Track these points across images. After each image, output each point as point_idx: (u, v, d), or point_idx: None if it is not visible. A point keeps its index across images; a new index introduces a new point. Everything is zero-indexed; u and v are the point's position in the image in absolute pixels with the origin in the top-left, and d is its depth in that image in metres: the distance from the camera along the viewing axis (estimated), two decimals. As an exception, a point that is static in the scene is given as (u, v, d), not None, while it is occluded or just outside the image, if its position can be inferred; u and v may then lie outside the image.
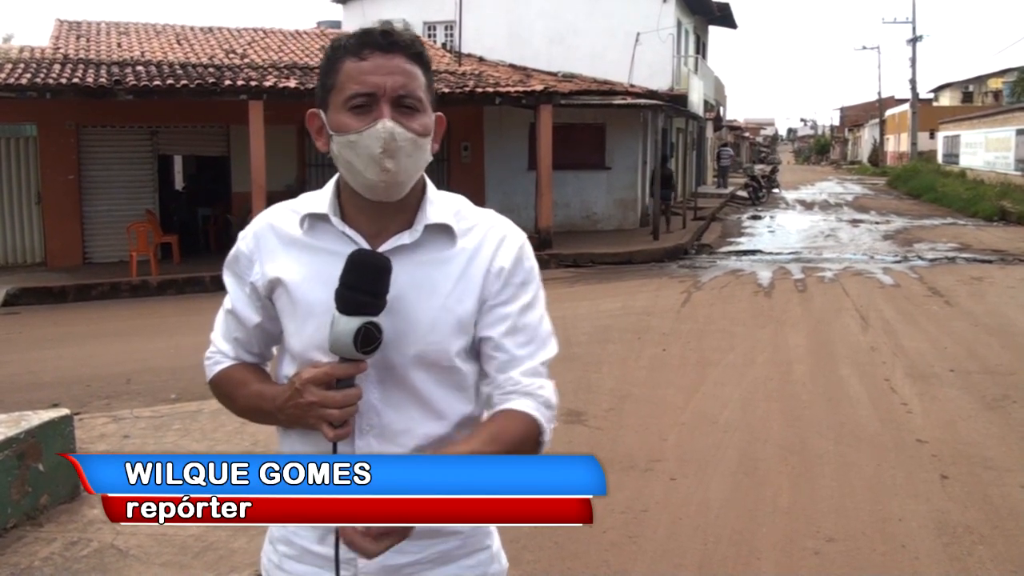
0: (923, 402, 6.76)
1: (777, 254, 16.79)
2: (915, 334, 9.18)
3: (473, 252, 1.61)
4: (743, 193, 31.66)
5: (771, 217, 25.38)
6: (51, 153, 15.41)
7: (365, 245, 1.55)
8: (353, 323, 1.45)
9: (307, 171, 17.66)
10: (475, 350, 1.63)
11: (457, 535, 1.63)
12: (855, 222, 23.58)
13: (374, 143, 1.49)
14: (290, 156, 17.16)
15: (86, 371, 8.20)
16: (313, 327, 1.55)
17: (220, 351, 1.71)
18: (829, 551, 4.27)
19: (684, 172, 29.53)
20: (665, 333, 9.40)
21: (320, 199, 1.61)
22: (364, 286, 1.47)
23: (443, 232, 1.60)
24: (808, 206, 29.88)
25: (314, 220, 1.59)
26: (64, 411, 4.88)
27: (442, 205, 1.62)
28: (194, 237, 17.37)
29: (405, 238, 1.57)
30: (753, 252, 17.21)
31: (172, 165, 20.08)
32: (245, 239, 1.66)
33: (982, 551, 4.25)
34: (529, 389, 1.58)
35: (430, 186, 1.64)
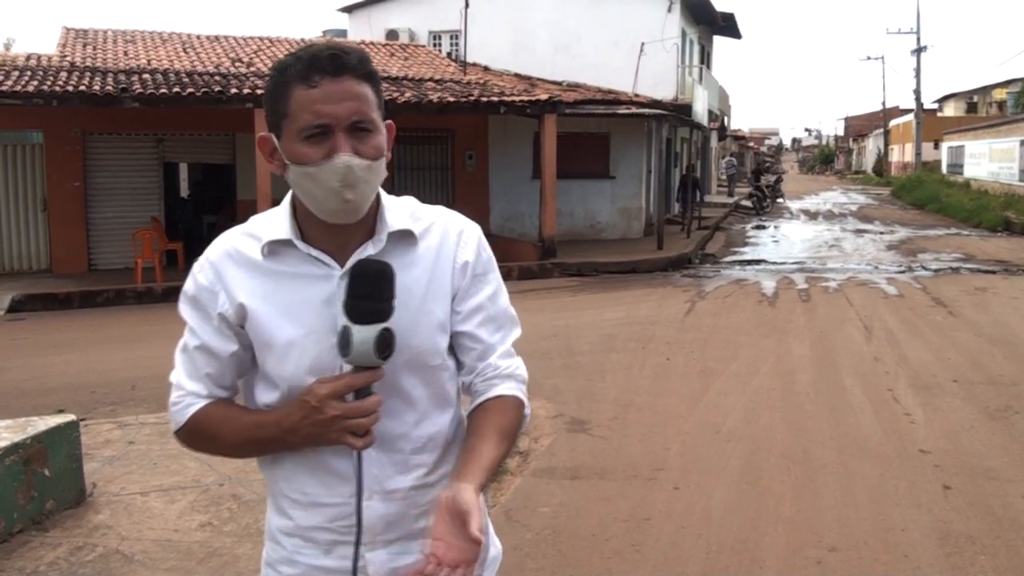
0: (926, 412, 6.76)
1: (781, 264, 16.78)
2: (918, 344, 9.18)
3: (436, 251, 1.65)
4: (747, 203, 31.69)
5: (775, 227, 25.37)
6: (57, 160, 15.48)
7: (333, 264, 1.57)
8: (372, 331, 1.48)
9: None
10: (450, 345, 1.69)
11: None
12: (859, 232, 23.57)
13: (332, 177, 1.50)
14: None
15: (91, 377, 8.22)
16: (299, 351, 1.56)
17: (190, 392, 1.63)
18: (831, 560, 4.28)
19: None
20: (669, 342, 9.41)
21: (277, 223, 1.60)
22: (375, 293, 1.50)
23: (405, 237, 1.62)
24: (812, 216, 29.88)
25: (276, 245, 1.58)
26: (70, 417, 4.91)
27: (398, 210, 1.64)
28: (199, 244, 17.21)
29: (370, 248, 1.58)
30: (757, 262, 17.20)
31: (178, 172, 20.15)
32: (203, 271, 1.62)
33: (984, 561, 4.25)
34: (509, 371, 1.69)
35: (382, 193, 1.64)
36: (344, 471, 1.58)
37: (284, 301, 1.57)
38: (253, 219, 1.66)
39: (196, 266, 1.64)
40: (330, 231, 1.57)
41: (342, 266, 1.57)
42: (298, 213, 1.60)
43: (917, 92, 47.76)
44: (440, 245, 1.65)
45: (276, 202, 1.68)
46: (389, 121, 1.62)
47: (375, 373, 1.51)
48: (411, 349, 1.58)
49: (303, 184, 1.53)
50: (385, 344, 1.49)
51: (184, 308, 1.64)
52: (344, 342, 1.49)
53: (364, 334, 1.47)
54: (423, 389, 1.63)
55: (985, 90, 56.54)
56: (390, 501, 1.61)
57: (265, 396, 1.62)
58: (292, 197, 1.61)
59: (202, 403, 1.62)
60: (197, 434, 1.64)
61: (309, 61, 1.50)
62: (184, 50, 18.57)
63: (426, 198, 1.59)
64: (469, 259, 1.67)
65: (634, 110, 19.20)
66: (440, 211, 1.71)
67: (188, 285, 1.64)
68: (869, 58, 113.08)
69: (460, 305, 1.66)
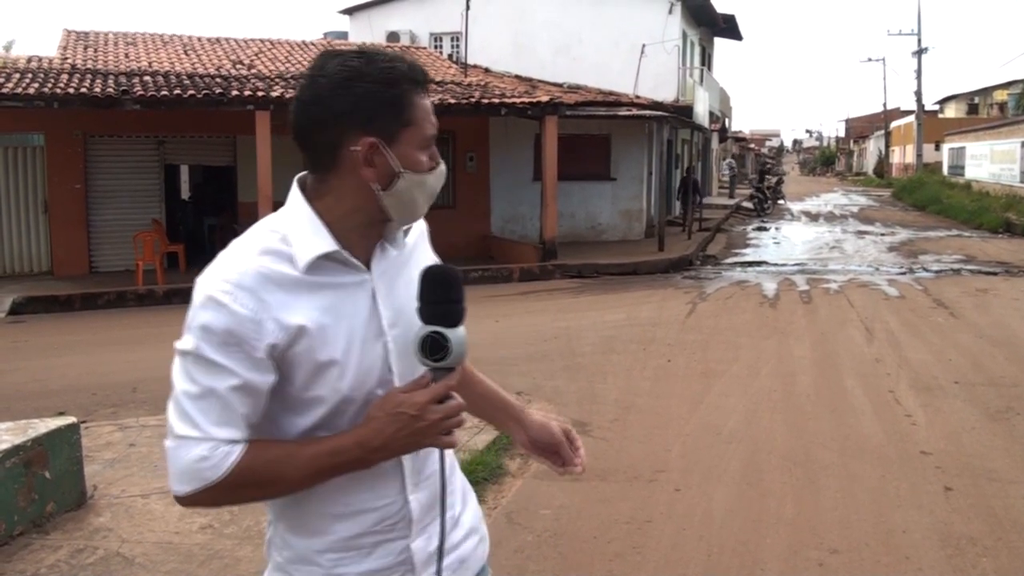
0: (927, 414, 6.75)
1: (782, 265, 16.78)
2: (920, 346, 9.17)
3: (417, 246, 1.71)
4: (748, 204, 31.70)
5: (776, 228, 25.37)
6: (58, 162, 15.50)
7: (364, 269, 1.57)
8: (462, 333, 1.51)
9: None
10: None
11: (455, 495, 1.76)
12: (860, 233, 23.57)
13: (438, 183, 1.59)
14: (296, 166, 16.94)
15: (92, 379, 8.22)
16: (356, 363, 1.53)
17: (225, 440, 1.45)
18: (833, 562, 4.27)
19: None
20: (670, 344, 9.41)
21: (311, 236, 1.53)
22: (459, 296, 1.54)
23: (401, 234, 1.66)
24: (813, 217, 29.88)
25: (319, 259, 1.52)
26: (70, 419, 4.90)
27: None
28: (200, 246, 17.42)
29: (390, 249, 1.62)
30: (758, 263, 17.20)
31: (179, 174, 20.16)
32: (237, 300, 1.44)
33: (986, 563, 4.24)
34: None
35: None
36: (391, 471, 1.59)
37: (337, 314, 1.52)
38: (263, 235, 1.54)
39: (222, 296, 1.45)
40: (367, 238, 1.58)
41: (368, 270, 1.58)
42: (334, 225, 1.55)
43: (918, 93, 47.78)
44: (416, 241, 1.71)
45: (280, 204, 1.66)
46: None
47: (457, 373, 1.54)
48: None
49: (411, 191, 1.54)
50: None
51: (211, 347, 1.44)
52: (437, 347, 1.49)
53: (459, 336, 1.50)
54: None
55: (986, 91, 56.56)
56: (424, 488, 1.64)
57: (303, 419, 1.54)
58: (314, 207, 1.56)
59: (240, 449, 1.45)
60: (243, 484, 1.46)
61: (422, 72, 1.54)
62: (185, 52, 18.59)
63: (427, 200, 1.60)
64: (436, 258, 1.74)
65: (635, 112, 19.21)
66: None
67: (215, 319, 1.45)
68: (870, 59, 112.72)
69: None
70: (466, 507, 1.80)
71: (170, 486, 1.48)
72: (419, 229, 1.72)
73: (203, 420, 1.44)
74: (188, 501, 1.47)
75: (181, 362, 1.47)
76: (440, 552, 1.60)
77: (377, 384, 1.56)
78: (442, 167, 1.59)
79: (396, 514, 1.61)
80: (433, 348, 1.49)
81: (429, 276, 1.53)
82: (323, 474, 1.51)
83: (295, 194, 1.59)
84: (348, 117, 1.50)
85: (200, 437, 1.43)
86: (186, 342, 1.46)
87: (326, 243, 1.52)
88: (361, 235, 1.57)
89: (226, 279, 1.47)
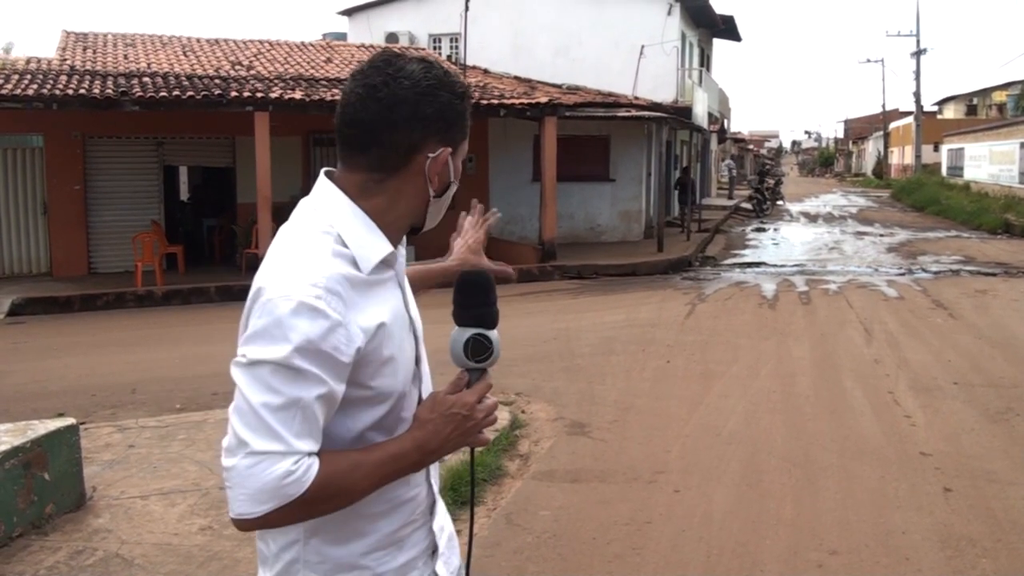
0: (927, 415, 6.75)
1: (781, 266, 16.79)
2: (919, 347, 9.17)
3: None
4: (747, 205, 31.71)
5: (775, 229, 25.37)
6: (57, 163, 15.49)
7: (393, 267, 1.60)
8: (496, 334, 1.58)
9: (311, 182, 17.69)
10: None
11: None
12: (859, 234, 23.58)
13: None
14: (295, 167, 17.22)
15: (91, 381, 8.22)
16: (406, 358, 1.58)
17: (308, 453, 1.39)
18: (832, 564, 4.27)
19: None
20: (669, 345, 9.41)
21: (372, 238, 1.53)
22: (496, 299, 1.59)
23: None
24: (812, 218, 29.89)
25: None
26: (70, 421, 4.90)
27: None
28: (199, 248, 17.44)
29: (401, 250, 1.65)
30: (757, 264, 17.20)
31: (178, 176, 20.15)
32: (330, 305, 1.40)
33: (985, 564, 4.24)
34: None
35: None
36: None
37: (392, 311, 1.54)
38: (321, 237, 1.49)
39: (316, 302, 1.40)
40: (397, 239, 1.60)
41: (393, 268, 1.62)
42: (382, 224, 1.56)
43: (917, 94, 47.80)
44: None
45: (279, 205, 1.68)
46: None
47: (490, 373, 1.59)
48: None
49: (448, 199, 1.61)
50: None
51: (303, 355, 1.38)
52: (481, 348, 1.56)
53: (497, 338, 1.57)
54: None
55: (985, 92, 56.57)
56: (437, 473, 1.74)
57: (356, 422, 1.52)
58: (361, 206, 1.54)
59: (318, 461, 1.41)
60: (316, 499, 1.41)
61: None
62: (184, 53, 18.57)
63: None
64: None
65: (634, 113, 19.21)
66: None
67: (312, 327, 1.39)
68: (869, 60, 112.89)
69: None
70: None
71: (236, 509, 1.38)
72: None
73: (287, 432, 1.36)
74: (257, 523, 1.39)
75: (257, 372, 1.38)
76: (470, 533, 1.73)
77: (412, 378, 1.60)
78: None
79: (424, 500, 1.67)
80: (476, 350, 1.55)
81: (468, 281, 1.58)
82: (385, 480, 1.50)
83: (334, 191, 1.56)
84: (432, 124, 1.53)
85: (285, 451, 1.36)
86: (270, 351, 1.38)
87: (385, 244, 1.54)
88: (398, 236, 1.60)
89: (314, 284, 1.40)
